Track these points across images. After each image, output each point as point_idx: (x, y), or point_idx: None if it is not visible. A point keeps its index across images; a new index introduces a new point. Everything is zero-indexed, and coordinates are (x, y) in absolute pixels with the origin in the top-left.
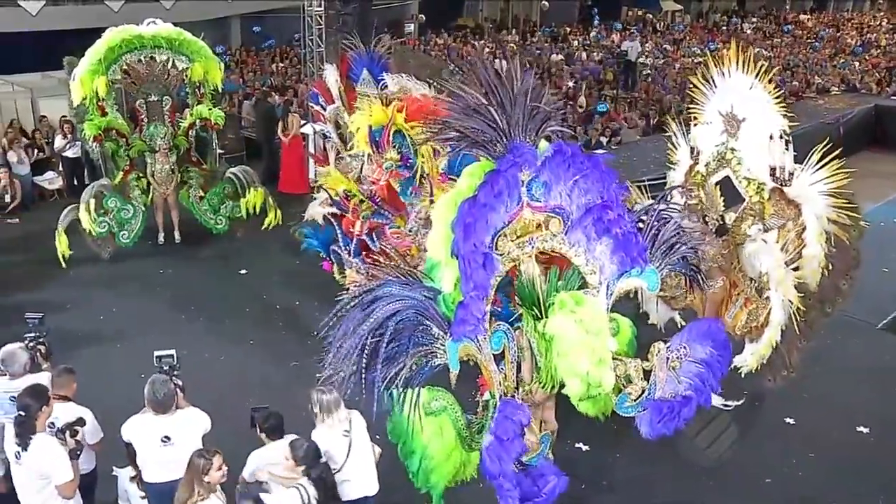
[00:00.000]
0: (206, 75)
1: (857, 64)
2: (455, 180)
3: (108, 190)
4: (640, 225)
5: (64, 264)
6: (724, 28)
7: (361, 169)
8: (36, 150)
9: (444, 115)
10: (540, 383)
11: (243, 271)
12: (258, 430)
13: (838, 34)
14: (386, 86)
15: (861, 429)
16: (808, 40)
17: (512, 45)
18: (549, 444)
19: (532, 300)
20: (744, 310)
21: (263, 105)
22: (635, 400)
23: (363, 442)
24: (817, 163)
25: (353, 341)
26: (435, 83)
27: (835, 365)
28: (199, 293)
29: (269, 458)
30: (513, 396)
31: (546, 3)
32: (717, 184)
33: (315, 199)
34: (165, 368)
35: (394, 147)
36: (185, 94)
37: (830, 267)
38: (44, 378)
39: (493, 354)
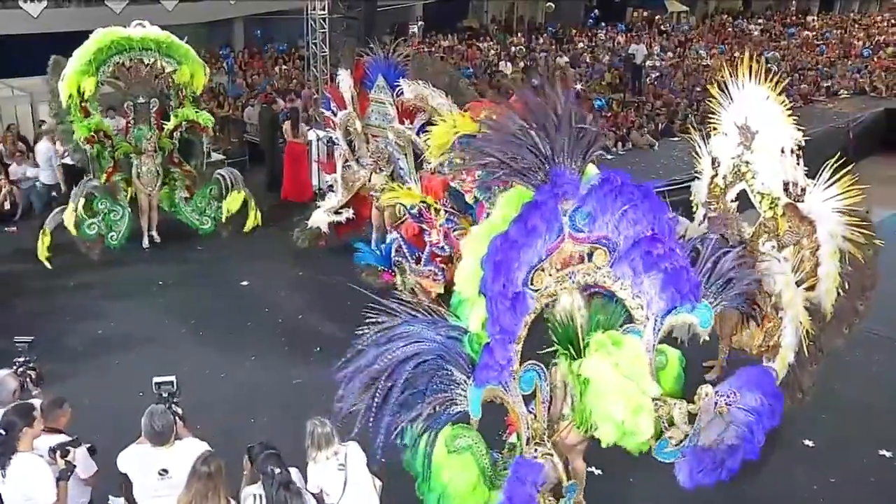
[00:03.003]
0: (191, 78)
1: (866, 66)
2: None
3: (100, 191)
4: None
5: (48, 264)
6: (730, 29)
7: (370, 178)
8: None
9: (481, 141)
10: (574, 426)
11: (245, 283)
12: (253, 467)
13: (845, 35)
14: (402, 92)
15: (883, 452)
16: (816, 42)
17: (521, 47)
18: (575, 495)
19: (568, 338)
20: (761, 328)
21: (268, 111)
22: (676, 445)
23: (361, 475)
24: (831, 176)
25: (365, 383)
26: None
27: (854, 383)
28: (200, 306)
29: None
30: (542, 439)
31: (552, 5)
32: (735, 198)
33: (319, 206)
34: (165, 395)
35: None
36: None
37: (847, 286)
38: (35, 405)
39: (524, 395)
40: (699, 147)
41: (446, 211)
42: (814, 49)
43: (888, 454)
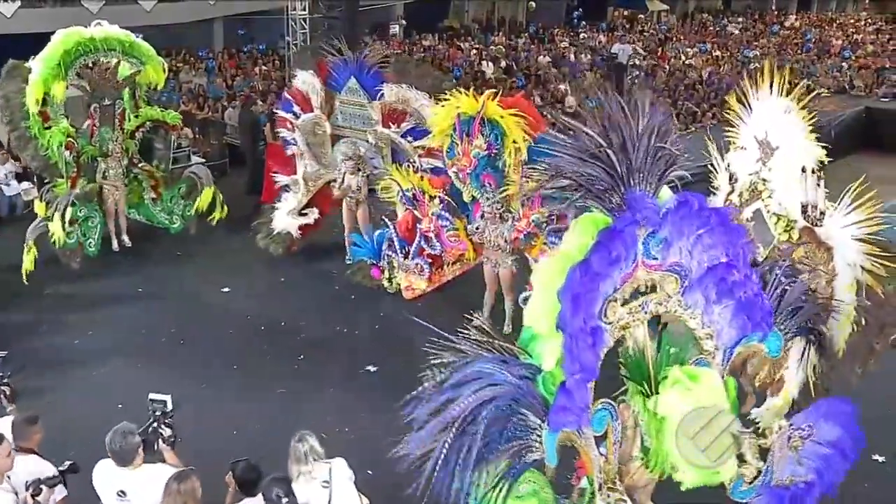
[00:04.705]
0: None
1: (845, 65)
2: (535, 169)
3: (79, 198)
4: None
5: (25, 280)
6: (711, 28)
7: (344, 178)
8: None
9: (556, 160)
10: (647, 467)
11: (226, 289)
12: (236, 485)
13: (823, 34)
14: (383, 96)
15: (877, 457)
16: (796, 41)
17: (501, 46)
18: None
19: (642, 373)
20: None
21: (248, 113)
22: (750, 483)
23: (346, 493)
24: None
25: (439, 430)
26: (436, 94)
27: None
28: (179, 314)
29: None
30: (614, 484)
31: (533, 4)
32: (749, 218)
33: (277, 208)
34: (157, 414)
35: (482, 135)
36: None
37: (864, 322)
38: (7, 423)
39: (595, 436)
40: (716, 161)
41: (441, 199)
42: (794, 48)
43: (882, 459)
